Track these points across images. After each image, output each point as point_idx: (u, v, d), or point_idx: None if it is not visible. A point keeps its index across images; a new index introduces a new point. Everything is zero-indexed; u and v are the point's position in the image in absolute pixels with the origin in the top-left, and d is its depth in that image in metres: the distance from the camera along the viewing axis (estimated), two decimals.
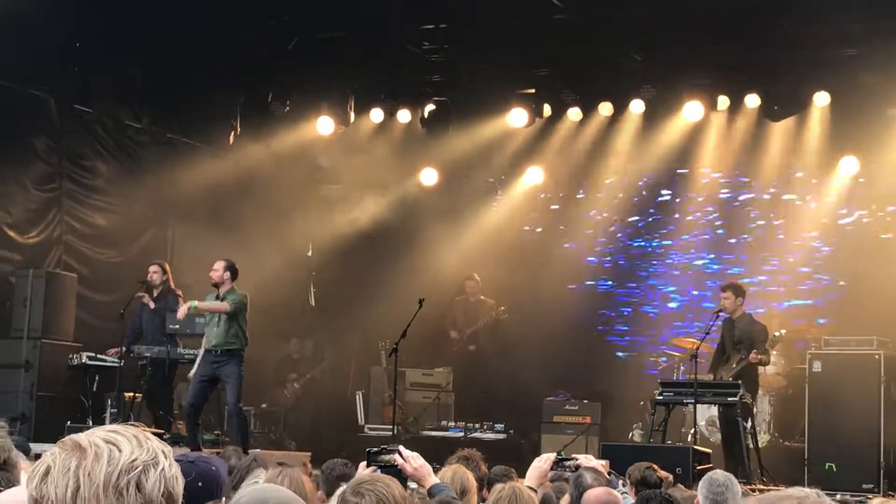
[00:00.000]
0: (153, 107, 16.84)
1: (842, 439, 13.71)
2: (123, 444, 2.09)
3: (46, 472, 2.04)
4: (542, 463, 6.62)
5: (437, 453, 9.15)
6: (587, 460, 6.81)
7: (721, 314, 14.02)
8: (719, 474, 6.80)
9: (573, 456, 6.89)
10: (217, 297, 13.78)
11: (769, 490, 12.37)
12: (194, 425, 13.82)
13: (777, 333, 14.12)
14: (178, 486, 2.17)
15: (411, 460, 5.49)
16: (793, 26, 14.44)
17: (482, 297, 17.86)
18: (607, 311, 18.74)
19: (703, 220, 18.20)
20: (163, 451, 2.17)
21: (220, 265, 13.81)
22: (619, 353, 18.35)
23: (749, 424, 13.38)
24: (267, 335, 17.72)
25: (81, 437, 2.09)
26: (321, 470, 7.39)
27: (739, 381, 13.61)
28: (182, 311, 13.93)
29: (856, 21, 14.46)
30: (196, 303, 13.75)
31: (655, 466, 8.13)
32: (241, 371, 13.72)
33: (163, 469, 2.12)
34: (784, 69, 15.10)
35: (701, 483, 6.77)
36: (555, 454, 6.74)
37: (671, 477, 8.73)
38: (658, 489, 7.17)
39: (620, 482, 7.87)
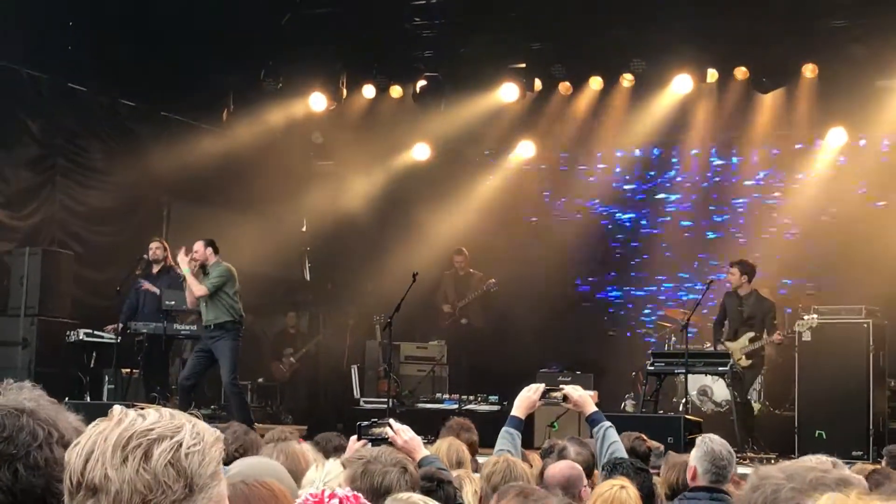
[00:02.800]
0: (147, 85, 16.82)
1: (831, 407, 13.81)
2: (151, 415, 2.05)
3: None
4: (530, 393, 6.70)
5: (432, 426, 9.28)
6: (574, 390, 6.89)
7: (712, 285, 14.22)
8: (721, 446, 6.48)
9: (560, 386, 6.97)
10: (205, 273, 13.88)
11: (760, 458, 12.52)
12: (187, 396, 13.89)
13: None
14: (196, 464, 2.05)
15: (402, 433, 5.51)
16: None
17: (471, 271, 17.85)
18: (599, 282, 18.82)
19: (693, 191, 18.28)
20: (193, 430, 2.08)
21: (199, 245, 13.89)
22: (611, 324, 18.43)
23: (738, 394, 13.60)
24: (263, 310, 17.85)
25: (123, 409, 2.07)
26: (315, 442, 7.48)
27: (730, 351, 13.89)
28: (182, 259, 13.88)
29: None
30: (188, 271, 13.80)
31: (644, 437, 8.23)
32: (234, 346, 13.77)
33: (179, 444, 2.03)
34: (772, 41, 15.10)
35: (698, 452, 6.47)
36: (543, 385, 6.81)
37: (662, 447, 8.82)
38: (646, 459, 7.28)
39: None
